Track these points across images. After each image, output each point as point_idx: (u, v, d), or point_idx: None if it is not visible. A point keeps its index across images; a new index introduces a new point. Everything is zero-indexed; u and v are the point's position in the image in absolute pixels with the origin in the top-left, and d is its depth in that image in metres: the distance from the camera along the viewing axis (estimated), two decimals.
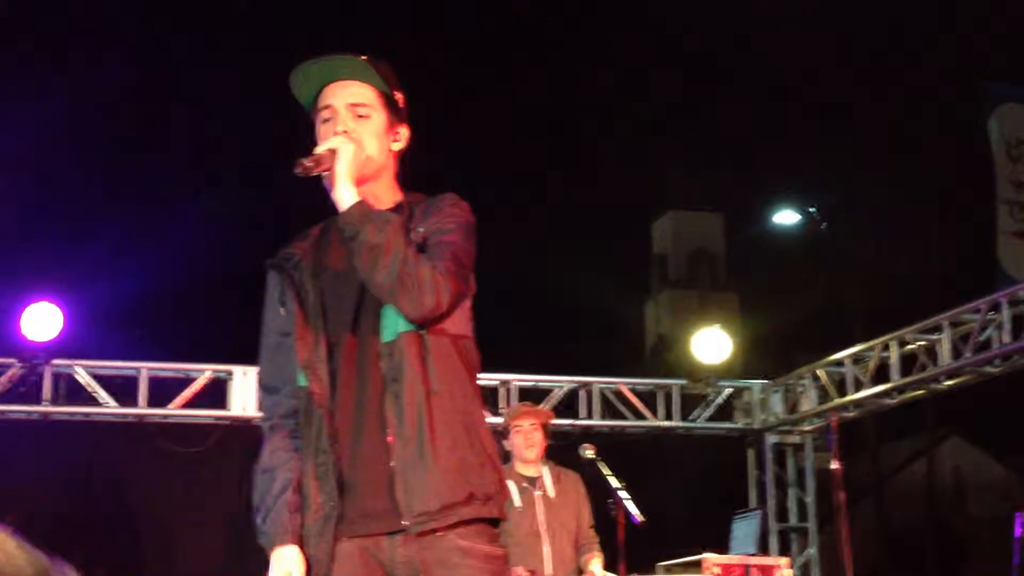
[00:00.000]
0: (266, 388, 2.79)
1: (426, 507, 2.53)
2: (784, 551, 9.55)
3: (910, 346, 8.50)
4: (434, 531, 2.54)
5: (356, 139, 2.66)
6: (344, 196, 2.59)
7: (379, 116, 2.73)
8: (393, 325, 2.60)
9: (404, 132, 2.78)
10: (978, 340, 7.91)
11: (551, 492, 6.08)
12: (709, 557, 7.00)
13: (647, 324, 27.95)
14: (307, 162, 2.59)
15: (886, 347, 8.66)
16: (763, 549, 8.68)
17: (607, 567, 6.13)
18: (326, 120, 2.71)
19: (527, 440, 6.06)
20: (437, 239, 2.63)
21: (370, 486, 2.57)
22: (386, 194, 2.74)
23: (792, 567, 8.66)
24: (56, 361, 8.35)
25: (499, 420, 6.32)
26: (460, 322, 2.67)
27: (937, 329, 8.26)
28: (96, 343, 8.73)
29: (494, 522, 2.63)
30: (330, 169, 2.61)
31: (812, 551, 9.78)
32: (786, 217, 19.44)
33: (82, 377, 8.59)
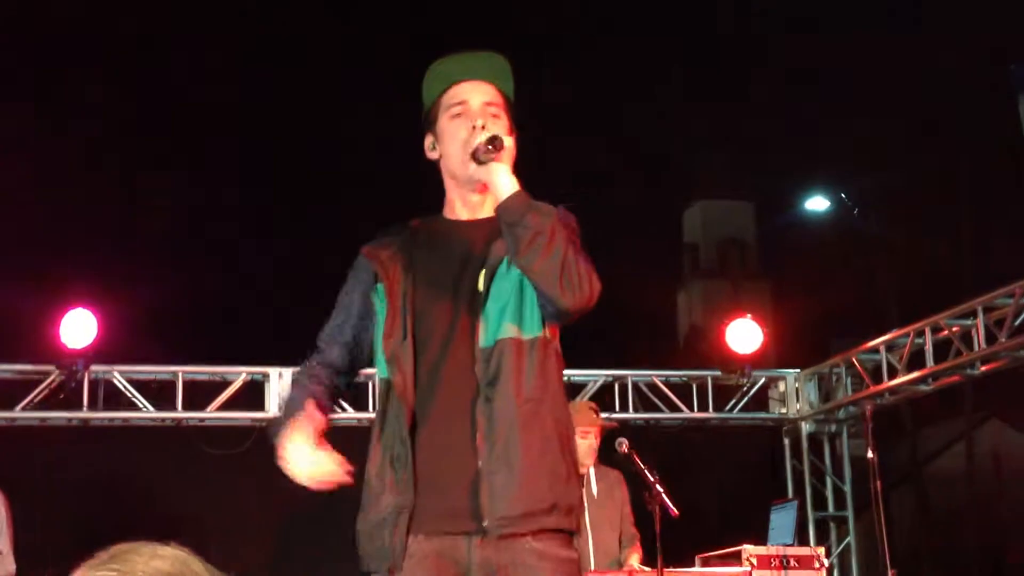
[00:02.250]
0: (317, 348, 2.88)
1: (509, 512, 2.55)
2: (821, 540, 9.53)
3: (944, 332, 8.46)
4: (513, 536, 2.55)
5: None
6: (507, 183, 2.62)
7: (503, 119, 2.77)
8: (493, 330, 2.64)
9: (512, 140, 2.78)
10: (1013, 324, 7.87)
11: (595, 491, 6.17)
12: (747, 548, 6.99)
13: (679, 314, 27.87)
14: (496, 142, 2.62)
15: (920, 333, 8.62)
16: (801, 539, 8.67)
17: (645, 561, 6.16)
18: (457, 115, 2.76)
19: (589, 448, 6.17)
20: None
21: (451, 485, 2.59)
22: (496, 201, 2.77)
23: (830, 556, 8.66)
24: (94, 367, 8.43)
25: None
26: (554, 333, 2.71)
27: (971, 314, 8.21)
28: (133, 348, 8.81)
29: (570, 533, 2.65)
30: (496, 153, 2.63)
31: (850, 540, 9.76)
32: (817, 204, 19.36)
33: (119, 382, 8.68)
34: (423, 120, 2.87)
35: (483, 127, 2.70)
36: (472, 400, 2.61)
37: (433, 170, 2.89)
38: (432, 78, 2.82)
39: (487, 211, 2.79)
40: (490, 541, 2.57)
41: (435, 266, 2.74)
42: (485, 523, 2.56)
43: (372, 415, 8.77)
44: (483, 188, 2.76)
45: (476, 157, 2.66)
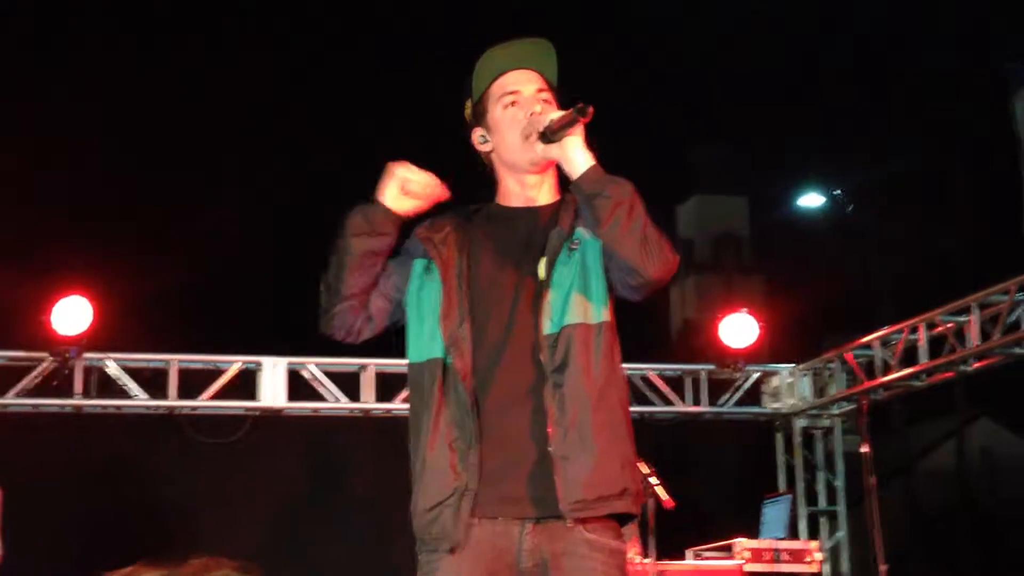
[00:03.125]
0: None
1: (585, 495, 2.58)
2: (814, 535, 9.56)
3: (939, 328, 8.46)
4: (581, 523, 2.58)
5: None
6: (584, 156, 2.65)
7: (554, 105, 2.80)
8: (558, 317, 2.65)
9: None
10: (1007, 321, 7.88)
11: None
12: (740, 541, 7.02)
13: (673, 308, 27.89)
14: (583, 111, 2.64)
15: (914, 329, 8.63)
16: (793, 533, 8.69)
17: (638, 553, 6.16)
18: (511, 104, 2.79)
19: None
20: None
21: (514, 471, 2.61)
22: (552, 188, 2.85)
23: (822, 551, 8.67)
24: (87, 354, 8.41)
25: None
26: (613, 318, 2.73)
27: (966, 311, 8.22)
28: (126, 335, 8.79)
29: (632, 518, 2.69)
30: (569, 132, 2.65)
31: (842, 534, 9.77)
32: (811, 200, 19.37)
33: (112, 370, 8.66)
34: (472, 114, 2.90)
35: (540, 113, 2.73)
36: (535, 386, 2.64)
37: (476, 162, 2.93)
38: (479, 71, 2.85)
39: (544, 198, 2.85)
40: (540, 528, 2.61)
41: (492, 251, 2.77)
42: (560, 507, 2.58)
43: (365, 405, 8.76)
44: (545, 168, 2.81)
45: (547, 135, 2.68)
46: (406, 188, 2.75)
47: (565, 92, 2.89)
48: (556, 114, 2.69)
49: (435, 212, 2.87)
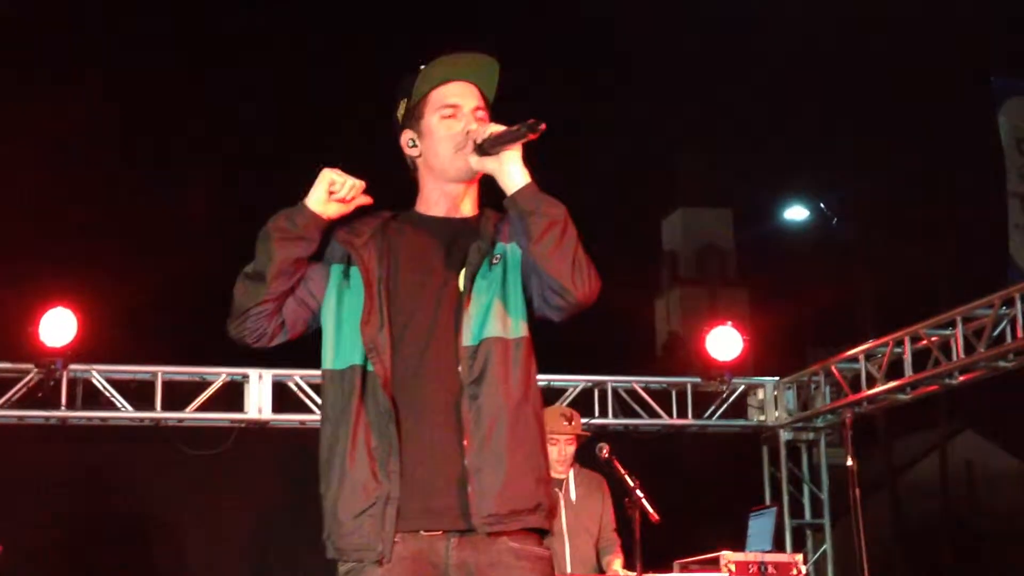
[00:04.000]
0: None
1: (497, 509, 2.58)
2: (798, 547, 9.57)
3: (923, 342, 8.50)
4: (498, 534, 2.58)
5: None
6: (521, 174, 2.66)
7: (487, 123, 2.80)
8: (477, 330, 2.66)
9: None
10: (991, 335, 7.92)
11: (573, 495, 6.16)
12: (725, 554, 7.02)
13: (658, 321, 27.95)
14: (504, 131, 2.66)
15: (899, 343, 8.67)
16: (779, 546, 8.70)
17: (625, 566, 6.17)
18: (448, 116, 2.79)
19: (560, 454, 6.14)
20: None
21: (435, 483, 2.60)
22: (474, 202, 2.85)
23: (807, 563, 8.68)
24: (73, 366, 8.39)
25: None
26: (529, 334, 2.74)
27: (950, 324, 8.26)
28: (112, 347, 8.78)
29: (545, 533, 2.69)
30: (509, 147, 2.67)
31: (827, 547, 9.80)
32: (796, 213, 19.46)
33: (98, 381, 8.64)
34: (403, 115, 2.88)
35: (475, 128, 2.74)
36: (456, 398, 2.63)
37: (403, 167, 2.92)
38: (423, 75, 2.84)
39: (465, 211, 2.84)
40: (466, 541, 2.60)
41: (412, 259, 2.77)
42: (472, 520, 2.58)
43: None
44: (472, 181, 2.81)
45: (485, 147, 2.68)
46: (333, 192, 2.73)
47: (500, 106, 2.90)
48: (497, 127, 2.69)
49: (352, 216, 2.85)
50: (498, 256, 2.74)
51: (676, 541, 7.12)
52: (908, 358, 8.58)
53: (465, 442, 2.60)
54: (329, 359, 2.73)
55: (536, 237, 2.59)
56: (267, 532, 9.56)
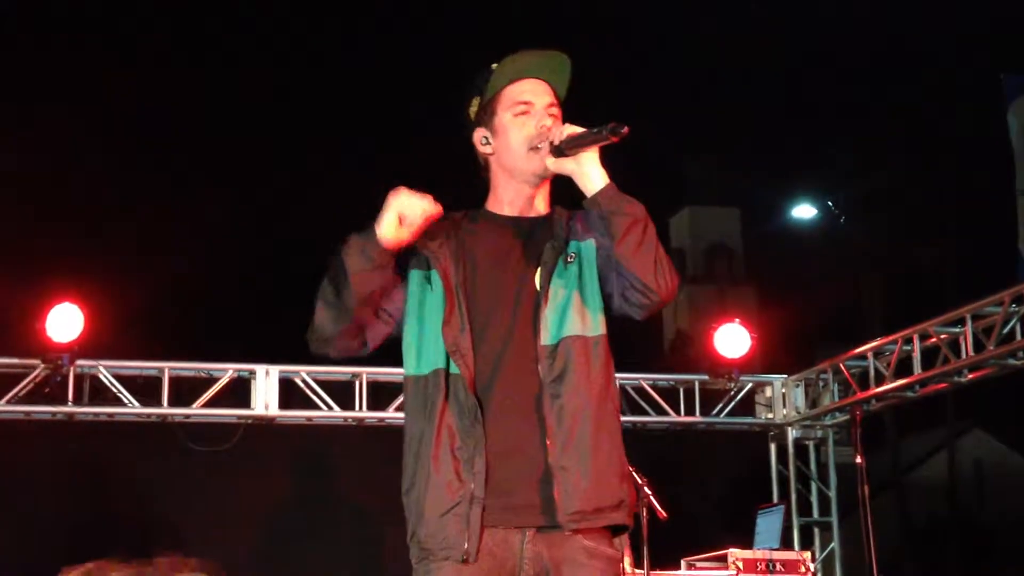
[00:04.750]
0: None
1: (583, 507, 2.60)
2: (806, 545, 9.54)
3: (932, 339, 8.47)
4: (582, 531, 2.60)
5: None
6: (600, 175, 2.68)
7: (560, 120, 2.80)
8: (556, 328, 2.66)
9: None
10: (1001, 333, 7.88)
11: None
12: (733, 551, 7.01)
13: (665, 319, 27.93)
14: (581, 133, 2.66)
15: (908, 340, 8.63)
16: (786, 543, 8.68)
17: (633, 563, 6.15)
18: (522, 113, 2.79)
19: None
20: None
21: (517, 480, 2.61)
22: (546, 201, 2.85)
23: (815, 561, 8.66)
24: (80, 362, 8.38)
25: None
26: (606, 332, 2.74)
27: (959, 322, 8.22)
28: (119, 343, 8.77)
29: (625, 529, 2.71)
30: (587, 148, 2.67)
31: (835, 545, 9.77)
32: (804, 211, 19.41)
33: (105, 377, 8.63)
34: (477, 113, 2.87)
35: (551, 127, 2.74)
36: (536, 396, 2.64)
37: (473, 163, 2.92)
38: (496, 73, 2.83)
39: (537, 209, 2.84)
40: (543, 536, 2.62)
41: (488, 260, 2.77)
42: (558, 517, 2.59)
43: (358, 414, 8.72)
44: (544, 181, 2.81)
45: (560, 149, 2.68)
46: (404, 217, 2.66)
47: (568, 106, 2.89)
48: (574, 128, 2.69)
49: None
50: (573, 254, 2.74)
51: (684, 538, 7.11)
52: (917, 356, 8.54)
53: (548, 441, 2.61)
54: (412, 365, 2.73)
55: (620, 237, 2.62)
56: (273, 528, 9.56)
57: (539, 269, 2.73)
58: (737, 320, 9.44)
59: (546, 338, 2.66)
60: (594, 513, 2.61)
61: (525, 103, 2.80)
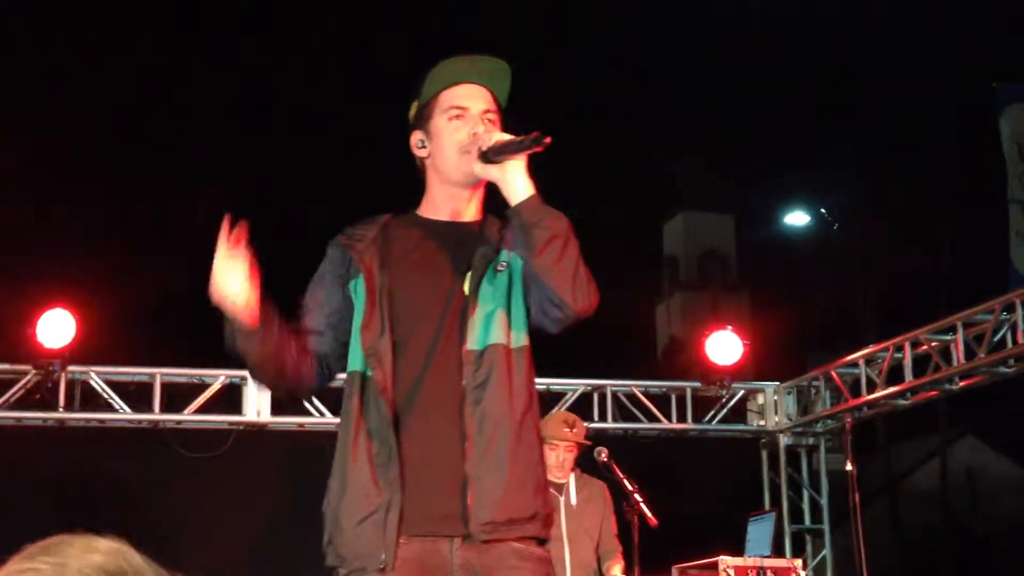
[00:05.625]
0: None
1: (495, 517, 2.57)
2: (798, 552, 9.54)
3: (924, 347, 8.48)
4: (496, 541, 2.58)
5: None
6: (525, 183, 2.65)
7: (497, 126, 2.79)
8: (483, 335, 2.64)
9: None
10: (992, 340, 7.90)
11: (573, 500, 6.14)
12: (724, 559, 7.00)
13: (659, 326, 27.91)
14: (507, 141, 2.64)
15: (899, 348, 8.65)
16: (778, 551, 8.68)
17: (624, 571, 6.15)
18: (456, 117, 2.76)
19: (558, 461, 6.11)
20: None
21: (438, 488, 2.59)
22: (479, 205, 2.83)
23: (807, 568, 8.66)
24: (71, 368, 8.37)
25: None
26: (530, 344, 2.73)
27: (951, 329, 8.24)
28: (110, 349, 8.76)
29: (543, 542, 2.69)
30: (513, 156, 2.65)
31: (826, 552, 9.77)
32: (797, 219, 19.44)
33: (96, 383, 8.62)
34: (414, 116, 2.87)
35: (483, 132, 2.73)
36: (459, 403, 2.62)
37: (412, 167, 2.91)
38: (433, 76, 2.83)
39: (470, 214, 2.83)
40: (470, 543, 2.59)
41: (417, 263, 2.75)
42: (470, 527, 2.57)
43: None
44: (477, 186, 2.79)
45: (488, 155, 2.67)
46: (225, 296, 2.63)
47: (514, 112, 2.88)
48: (502, 136, 2.68)
49: (352, 221, 2.85)
50: (504, 263, 2.73)
51: (675, 546, 7.10)
52: (908, 363, 8.55)
53: (467, 447, 2.59)
54: (346, 371, 2.74)
55: (537, 250, 2.59)
56: (265, 535, 9.54)
57: (468, 275, 2.71)
58: (729, 327, 9.45)
59: (472, 343, 2.64)
60: (506, 524, 2.58)
61: (460, 108, 2.78)
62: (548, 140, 2.62)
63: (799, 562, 7.28)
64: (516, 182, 2.64)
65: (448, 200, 2.82)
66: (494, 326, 2.66)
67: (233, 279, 2.61)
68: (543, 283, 2.61)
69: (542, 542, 2.68)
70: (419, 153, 2.86)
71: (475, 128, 2.74)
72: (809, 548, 9.80)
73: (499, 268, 2.71)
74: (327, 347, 2.77)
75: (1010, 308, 7.79)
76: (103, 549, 1.36)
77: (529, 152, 2.64)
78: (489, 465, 2.58)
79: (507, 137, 2.67)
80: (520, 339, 2.68)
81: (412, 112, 2.88)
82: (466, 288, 2.69)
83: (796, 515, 9.86)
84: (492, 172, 2.67)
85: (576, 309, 2.61)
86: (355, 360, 2.68)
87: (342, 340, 2.76)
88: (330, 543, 2.65)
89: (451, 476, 2.59)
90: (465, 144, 2.73)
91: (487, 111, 2.79)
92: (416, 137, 2.86)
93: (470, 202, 2.82)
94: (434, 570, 2.58)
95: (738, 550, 7.79)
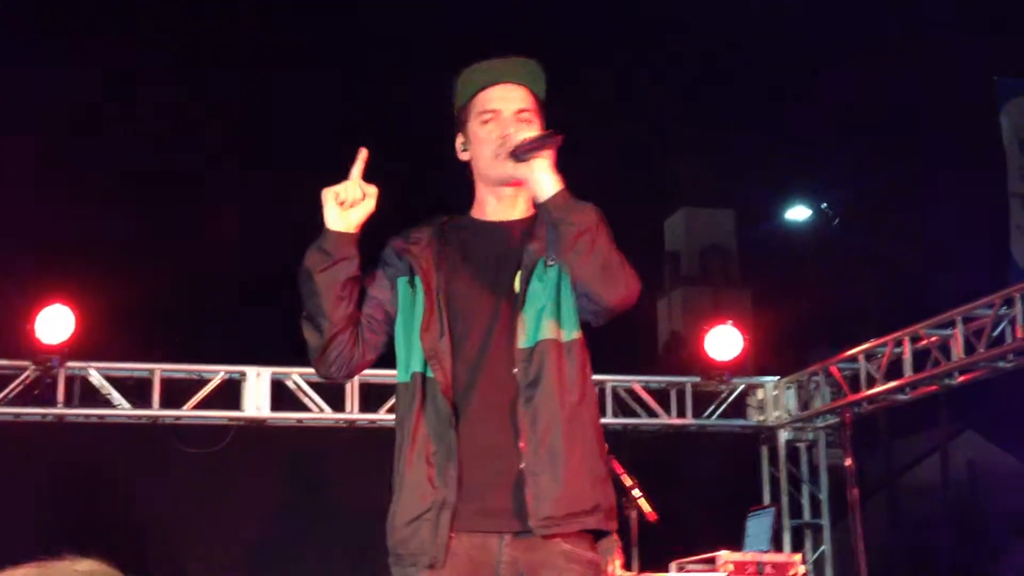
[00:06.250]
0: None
1: (554, 512, 2.59)
2: (797, 548, 9.54)
3: (923, 342, 8.47)
4: (556, 536, 2.59)
5: None
6: (551, 180, 2.65)
7: (536, 123, 2.80)
8: (532, 332, 2.66)
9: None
10: (991, 335, 7.88)
11: None
12: (723, 554, 7.00)
13: (660, 321, 27.90)
14: (547, 140, 2.67)
15: (899, 343, 8.63)
16: (777, 546, 8.67)
17: (623, 566, 6.15)
18: (487, 121, 2.79)
19: None
20: None
21: (491, 485, 2.61)
22: (527, 203, 2.83)
23: (806, 563, 8.66)
24: (70, 363, 8.37)
25: None
26: (584, 337, 2.74)
27: (950, 324, 8.23)
28: (109, 344, 8.76)
29: (606, 534, 2.70)
30: (538, 154, 2.66)
31: (826, 548, 9.77)
32: (798, 213, 19.42)
33: (96, 379, 8.62)
34: (455, 120, 2.92)
35: (513, 133, 2.74)
36: (512, 400, 2.64)
37: (463, 170, 2.95)
38: (464, 82, 2.86)
39: (519, 212, 2.86)
40: (518, 541, 2.62)
41: (469, 265, 2.78)
42: (530, 523, 2.59)
43: (349, 416, 8.72)
44: (520, 184, 2.80)
45: (517, 155, 2.69)
46: (342, 202, 2.69)
47: (551, 109, 2.90)
48: (528, 134, 2.71)
49: (409, 224, 2.88)
50: (553, 259, 2.74)
51: (674, 541, 7.10)
52: (908, 358, 8.54)
53: (521, 444, 2.62)
54: (399, 371, 2.75)
55: (566, 246, 2.61)
56: (264, 530, 9.55)
57: (519, 273, 2.73)
58: (729, 322, 9.44)
59: (523, 341, 2.67)
60: (566, 518, 2.60)
61: (492, 111, 2.81)
62: (559, 137, 2.65)
63: (798, 557, 7.27)
64: (541, 179, 2.66)
65: (494, 200, 2.86)
66: (544, 322, 2.67)
67: (352, 183, 2.69)
68: (575, 279, 2.64)
69: (604, 534, 2.71)
70: (462, 156, 2.91)
71: (507, 129, 2.76)
72: (808, 543, 9.80)
73: (548, 263, 2.73)
74: (371, 331, 2.80)
75: (1009, 303, 7.77)
76: (87, 566, 1.37)
77: (545, 149, 2.67)
78: (544, 461, 2.60)
79: (531, 135, 2.70)
80: (571, 333, 2.70)
81: (455, 117, 2.92)
82: (516, 286, 2.72)
83: (796, 510, 9.85)
84: (521, 171, 2.70)
85: (609, 302, 2.64)
86: (414, 361, 2.70)
87: (379, 329, 2.80)
88: (389, 542, 2.69)
89: (506, 473, 2.61)
90: (496, 147, 2.77)
91: (521, 111, 2.81)
92: (458, 141, 2.91)
93: (516, 200, 2.85)
94: (482, 565, 2.61)
95: (737, 545, 7.79)
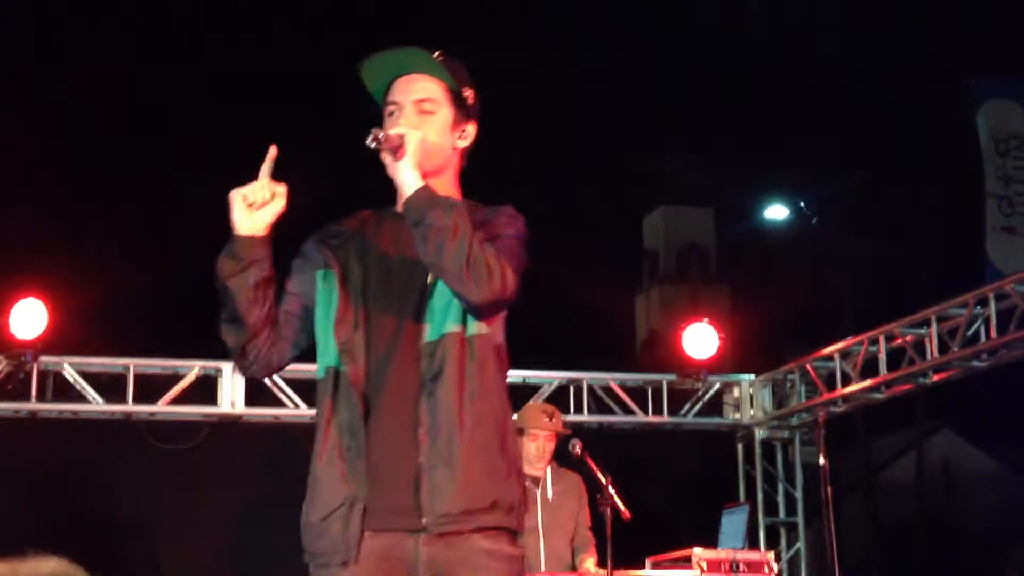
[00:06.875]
0: None
1: (448, 509, 2.54)
2: (772, 545, 9.57)
3: (898, 341, 8.50)
4: (454, 533, 2.54)
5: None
6: (409, 180, 2.59)
7: (445, 112, 2.73)
8: (438, 325, 2.61)
9: (471, 130, 2.79)
10: (966, 334, 7.92)
11: (550, 493, 6.15)
12: (697, 551, 7.00)
13: (638, 319, 27.93)
14: (379, 134, 2.58)
15: (874, 341, 8.67)
16: (751, 543, 8.69)
17: (598, 564, 6.16)
18: (391, 114, 2.73)
19: (539, 451, 6.13)
20: (495, 241, 2.63)
21: (396, 481, 2.56)
22: (447, 192, 2.73)
23: (780, 561, 8.68)
24: (43, 358, 8.32)
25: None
26: (498, 331, 2.70)
27: (925, 323, 8.26)
28: (83, 339, 8.70)
29: (513, 532, 2.63)
30: (396, 152, 2.59)
31: (800, 545, 9.80)
32: (776, 212, 19.47)
33: (69, 374, 8.57)
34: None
35: (386, 130, 2.66)
36: (417, 395, 2.60)
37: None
38: (368, 76, 2.78)
39: None
40: (435, 539, 2.56)
41: (387, 258, 2.73)
42: (424, 520, 2.55)
43: None
44: (427, 176, 2.71)
45: (380, 151, 2.62)
46: (251, 204, 2.64)
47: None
48: (397, 131, 2.63)
49: (332, 219, 2.83)
50: None
51: (648, 538, 7.10)
52: (883, 357, 8.57)
53: (420, 439, 2.57)
54: (319, 368, 2.71)
55: (426, 248, 2.55)
56: (240, 527, 9.51)
57: None
58: (706, 320, 9.45)
59: (428, 335, 2.63)
60: (462, 515, 2.55)
61: (394, 103, 2.75)
62: (370, 138, 2.56)
63: (772, 555, 7.27)
64: (399, 178, 2.61)
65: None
66: (450, 316, 2.63)
67: (259, 184, 2.65)
68: (440, 278, 2.59)
69: (514, 533, 2.65)
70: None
71: (404, 121, 2.70)
72: (784, 541, 9.83)
73: None
74: (291, 328, 2.76)
75: (983, 302, 7.81)
76: (52, 565, 1.36)
77: (392, 147, 2.59)
78: (440, 456, 2.55)
79: (393, 132, 2.63)
80: (476, 327, 2.64)
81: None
82: (429, 277, 2.67)
83: (771, 508, 9.88)
84: (391, 171, 2.63)
85: (474, 301, 2.56)
86: (328, 355, 2.67)
87: (296, 326, 2.76)
88: (303, 540, 2.65)
89: (407, 469, 2.57)
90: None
91: (423, 100, 2.74)
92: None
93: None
94: (398, 566, 2.56)
95: (712, 543, 7.79)
